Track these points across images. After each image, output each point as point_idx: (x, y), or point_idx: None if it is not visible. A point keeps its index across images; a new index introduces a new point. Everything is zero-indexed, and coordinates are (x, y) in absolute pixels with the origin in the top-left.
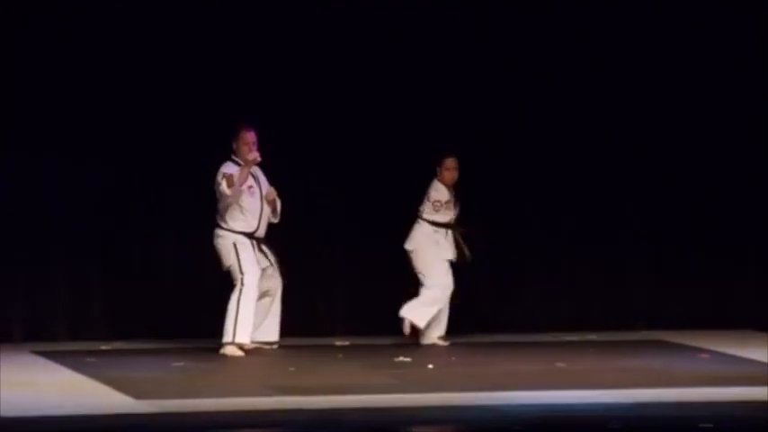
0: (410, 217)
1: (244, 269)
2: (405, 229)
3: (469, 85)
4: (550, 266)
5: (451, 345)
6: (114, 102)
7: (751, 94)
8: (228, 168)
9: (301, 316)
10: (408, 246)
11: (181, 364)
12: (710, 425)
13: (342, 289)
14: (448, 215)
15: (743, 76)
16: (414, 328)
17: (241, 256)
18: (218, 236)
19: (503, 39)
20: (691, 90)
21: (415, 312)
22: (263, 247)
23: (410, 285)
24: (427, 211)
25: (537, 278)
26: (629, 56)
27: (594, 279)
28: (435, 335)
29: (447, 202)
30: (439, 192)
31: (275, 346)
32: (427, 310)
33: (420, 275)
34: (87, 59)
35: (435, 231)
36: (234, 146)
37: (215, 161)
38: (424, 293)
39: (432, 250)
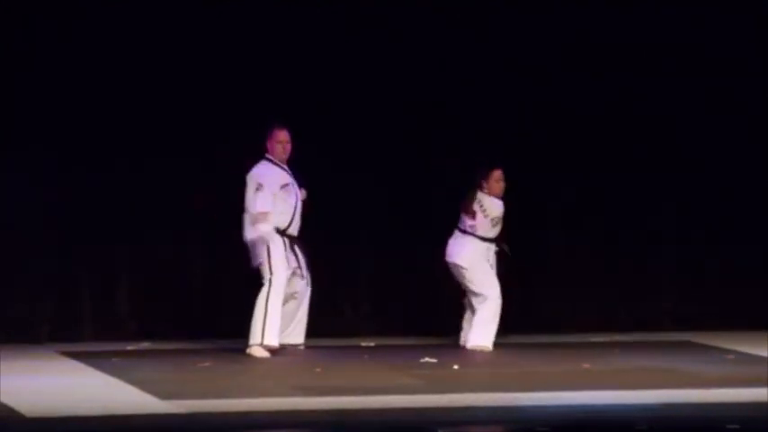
0: (435, 216)
1: (273, 269)
2: (431, 229)
3: (491, 86)
4: (576, 267)
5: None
6: (146, 103)
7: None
8: (262, 176)
9: (327, 317)
10: (462, 262)
11: (206, 364)
12: (737, 426)
13: (368, 290)
14: (498, 229)
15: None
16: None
17: (272, 256)
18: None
19: (504, 38)
20: (695, 89)
21: (482, 338)
22: (295, 247)
23: (438, 287)
24: (484, 228)
25: (563, 279)
26: (633, 56)
27: (620, 280)
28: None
29: (500, 216)
30: (495, 207)
31: (301, 347)
32: (491, 328)
33: (472, 291)
34: (94, 59)
35: (488, 249)
36: (267, 145)
37: (236, 160)
38: (483, 310)
39: (485, 265)
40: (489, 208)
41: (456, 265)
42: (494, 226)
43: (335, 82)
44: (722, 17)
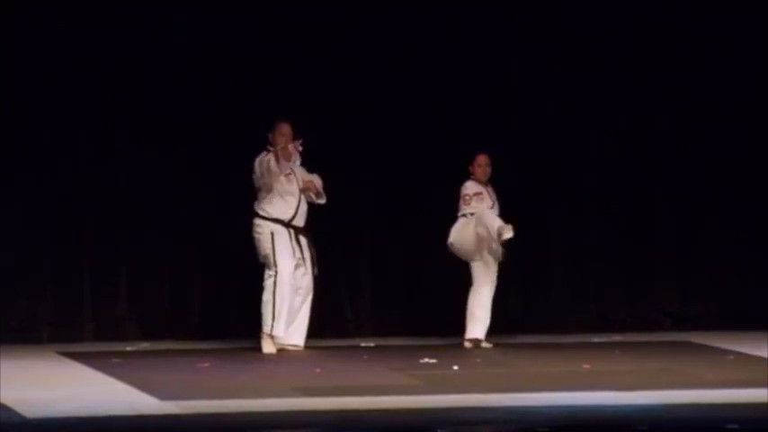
0: (435, 216)
1: (278, 261)
2: (431, 229)
3: (493, 86)
4: (577, 268)
5: (476, 346)
6: (146, 106)
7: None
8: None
9: (327, 317)
10: (449, 239)
11: (206, 364)
12: (737, 426)
13: (368, 290)
14: (479, 207)
15: None
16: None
17: (277, 248)
18: (256, 225)
19: (519, 39)
20: (695, 88)
21: (473, 331)
22: (301, 239)
23: (439, 286)
24: (461, 207)
25: (563, 279)
26: (633, 55)
27: (620, 280)
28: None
29: (476, 194)
30: (466, 187)
31: (300, 348)
32: (482, 321)
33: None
34: (96, 56)
35: (468, 222)
36: (270, 137)
37: (243, 158)
38: (473, 304)
39: (469, 242)
40: (460, 190)
41: (450, 245)
42: (466, 204)
43: (335, 82)
44: (725, 19)
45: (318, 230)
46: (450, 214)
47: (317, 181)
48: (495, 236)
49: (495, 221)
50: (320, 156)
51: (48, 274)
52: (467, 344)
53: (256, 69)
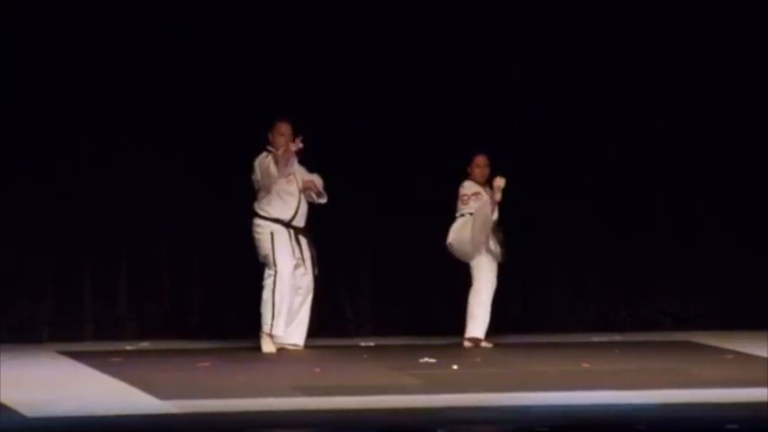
0: (435, 216)
1: (277, 261)
2: (431, 229)
3: (493, 86)
4: (577, 268)
5: (476, 346)
6: (146, 107)
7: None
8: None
9: (327, 317)
10: (448, 239)
11: (206, 364)
12: (736, 426)
13: (368, 290)
14: (474, 204)
15: None
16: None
17: (276, 248)
18: (256, 225)
19: (524, 38)
20: (695, 88)
21: (473, 331)
22: (301, 239)
23: (439, 286)
24: (459, 207)
25: (563, 279)
26: (634, 55)
27: (620, 280)
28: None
29: (474, 194)
30: (464, 187)
31: (300, 348)
32: (482, 321)
33: (471, 275)
34: (95, 55)
35: (467, 222)
36: (269, 137)
37: (243, 158)
38: (473, 304)
39: (468, 242)
40: (459, 190)
41: (450, 245)
42: (465, 204)
43: (335, 82)
44: (726, 20)
45: (318, 230)
46: (450, 214)
47: (317, 181)
48: (491, 211)
49: (486, 201)
50: (320, 156)
51: (48, 274)
52: (466, 343)
53: (256, 69)
